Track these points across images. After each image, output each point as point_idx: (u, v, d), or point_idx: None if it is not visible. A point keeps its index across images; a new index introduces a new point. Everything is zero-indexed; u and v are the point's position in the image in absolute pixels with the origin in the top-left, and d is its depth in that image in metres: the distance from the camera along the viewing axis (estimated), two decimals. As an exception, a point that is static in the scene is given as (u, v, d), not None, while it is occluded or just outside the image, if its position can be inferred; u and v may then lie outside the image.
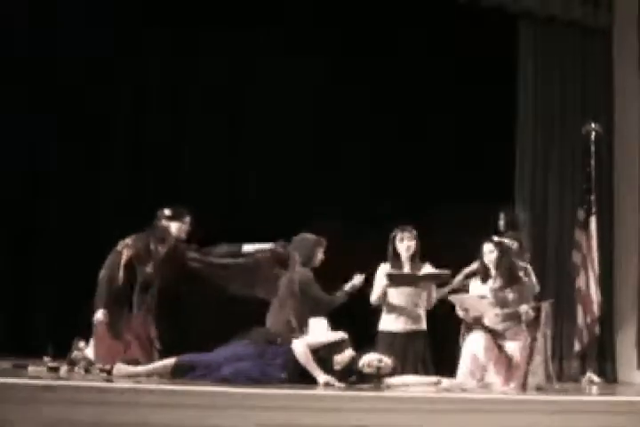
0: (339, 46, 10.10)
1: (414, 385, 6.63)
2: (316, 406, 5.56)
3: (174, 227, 7.23)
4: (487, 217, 9.68)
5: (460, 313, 7.42)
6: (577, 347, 9.42)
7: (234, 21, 9.77)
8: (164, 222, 7.22)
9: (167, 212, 7.26)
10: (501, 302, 7.35)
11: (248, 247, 7.39)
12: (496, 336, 7.27)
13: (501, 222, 8.69)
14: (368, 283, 7.67)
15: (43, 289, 9.11)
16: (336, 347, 6.53)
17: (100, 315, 6.85)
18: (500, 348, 7.24)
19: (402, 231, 7.64)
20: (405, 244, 7.63)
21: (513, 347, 7.28)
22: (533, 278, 8.36)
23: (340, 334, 6.69)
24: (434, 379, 6.80)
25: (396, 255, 7.66)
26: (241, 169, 10.03)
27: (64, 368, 6.36)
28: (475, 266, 8.04)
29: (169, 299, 7.26)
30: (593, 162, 9.51)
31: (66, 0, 9.33)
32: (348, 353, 6.54)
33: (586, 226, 9.38)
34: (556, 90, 10.88)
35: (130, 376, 6.17)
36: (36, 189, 9.24)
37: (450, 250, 8.55)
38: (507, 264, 7.52)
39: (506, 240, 8.33)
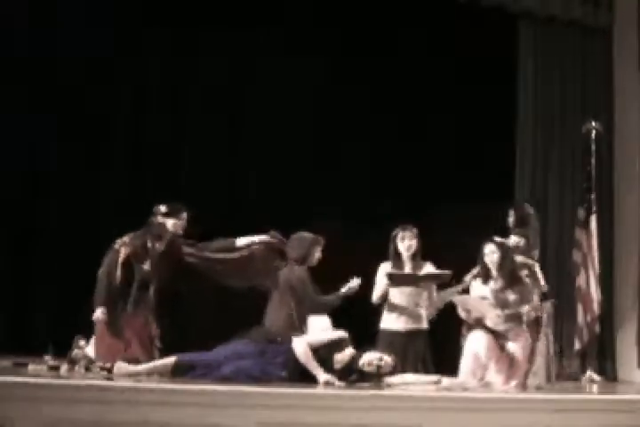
0: (339, 46, 10.11)
1: (414, 384, 6.62)
2: (316, 405, 5.55)
3: (170, 223, 7.18)
4: (487, 217, 9.69)
5: (462, 314, 7.41)
6: (577, 346, 9.42)
7: (234, 21, 9.78)
8: (161, 219, 7.17)
9: (163, 208, 7.21)
10: (502, 303, 7.33)
11: (241, 241, 7.37)
12: (497, 337, 7.26)
13: (511, 219, 8.67)
14: (368, 283, 7.67)
15: (43, 289, 9.12)
16: (336, 346, 6.52)
17: (99, 313, 6.84)
18: (502, 347, 7.23)
19: (403, 230, 7.63)
20: (406, 243, 7.62)
21: (514, 347, 7.27)
22: (540, 277, 8.36)
23: (341, 333, 6.69)
24: (434, 378, 6.80)
25: (397, 254, 7.65)
26: (241, 169, 10.04)
27: (64, 367, 6.36)
28: None
29: (168, 297, 7.24)
30: (593, 161, 9.51)
31: (66, 0, 9.34)
32: (349, 352, 6.54)
33: (586, 225, 9.37)
34: (556, 89, 10.88)
35: (130, 375, 6.17)
36: (36, 189, 9.25)
37: (450, 250, 8.56)
38: (508, 265, 7.50)
39: (514, 238, 8.34)
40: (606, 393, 7.70)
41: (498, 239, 7.67)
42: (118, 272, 6.91)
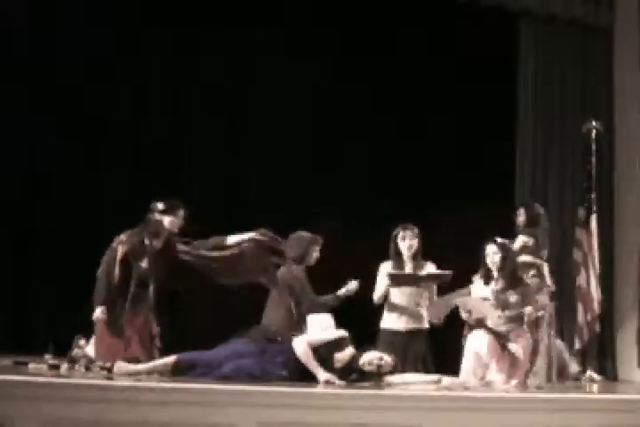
0: (339, 46, 10.12)
1: (415, 383, 6.61)
2: (316, 404, 5.54)
3: (167, 221, 7.13)
4: (487, 217, 9.71)
5: (464, 315, 7.40)
6: (577, 345, 9.41)
7: (234, 21, 9.79)
8: (158, 216, 7.13)
9: (160, 205, 7.14)
10: (503, 304, 7.33)
11: (232, 239, 7.34)
12: (498, 337, 7.25)
13: (520, 218, 8.67)
14: (368, 283, 7.67)
15: (43, 289, 9.12)
16: (337, 345, 6.51)
17: (99, 312, 6.83)
18: (503, 347, 7.23)
19: (404, 230, 7.63)
20: (407, 242, 7.62)
21: (515, 347, 7.27)
22: (547, 277, 8.37)
23: (341, 333, 6.68)
24: (434, 377, 6.79)
25: (398, 254, 7.65)
26: (241, 169, 10.04)
27: (65, 366, 6.35)
28: None
29: (166, 295, 7.22)
30: (593, 160, 9.49)
31: (66, 0, 9.34)
32: (349, 351, 6.53)
33: (586, 224, 9.36)
34: (556, 89, 10.89)
35: (130, 374, 6.16)
36: (36, 189, 9.25)
37: (450, 250, 8.55)
38: (510, 266, 7.49)
39: (523, 237, 8.35)
40: (606, 393, 7.69)
41: (500, 240, 7.66)
42: (117, 271, 6.89)
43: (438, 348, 7.62)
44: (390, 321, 7.56)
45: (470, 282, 7.77)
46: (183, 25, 9.73)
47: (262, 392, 5.49)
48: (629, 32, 10.95)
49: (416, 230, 7.63)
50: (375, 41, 10.20)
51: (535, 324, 7.81)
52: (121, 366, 6.27)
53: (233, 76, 9.99)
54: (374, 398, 5.80)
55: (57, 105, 9.22)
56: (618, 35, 11.05)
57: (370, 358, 6.49)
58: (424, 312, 7.61)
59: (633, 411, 6.26)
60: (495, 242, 7.54)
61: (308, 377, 6.30)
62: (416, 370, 7.20)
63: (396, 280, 7.53)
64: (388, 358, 6.54)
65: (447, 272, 7.58)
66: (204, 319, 8.60)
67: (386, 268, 7.64)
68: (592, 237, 9.35)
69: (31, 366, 6.41)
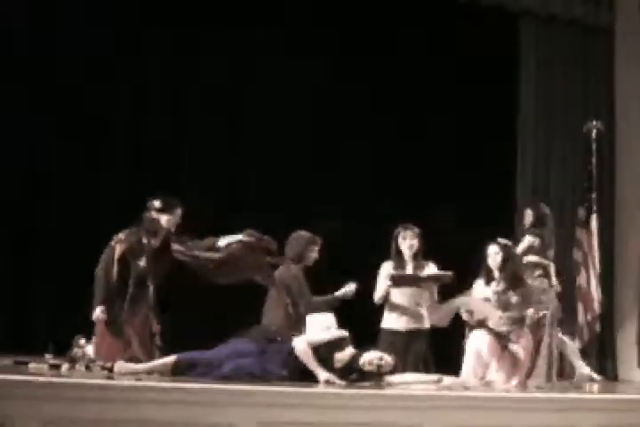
0: (339, 46, 10.12)
1: (415, 383, 6.61)
2: (316, 404, 5.55)
3: (165, 219, 7.09)
4: (487, 217, 9.72)
5: (465, 316, 7.40)
6: (577, 345, 9.40)
7: (234, 21, 9.79)
8: (155, 215, 7.11)
9: (157, 204, 7.09)
10: (504, 305, 7.33)
11: (223, 241, 7.28)
12: (500, 337, 7.25)
13: (527, 218, 8.67)
14: (368, 283, 7.68)
15: (43, 289, 9.11)
16: (337, 345, 6.51)
17: (98, 312, 6.82)
18: (504, 347, 7.23)
19: (404, 229, 7.63)
20: (408, 242, 7.62)
21: (516, 346, 7.27)
22: (553, 278, 8.38)
23: (341, 332, 6.69)
24: (435, 377, 6.79)
25: (399, 254, 7.66)
26: (241, 169, 10.03)
27: (65, 366, 6.35)
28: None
29: (165, 293, 7.21)
30: (594, 160, 9.49)
31: (66, 0, 9.33)
32: (349, 351, 6.53)
33: (587, 224, 9.36)
34: (557, 89, 10.89)
35: (131, 374, 6.15)
36: (36, 189, 9.25)
37: (450, 250, 8.53)
38: (511, 267, 7.50)
39: (529, 238, 8.36)
40: (606, 393, 7.69)
41: (502, 241, 7.65)
42: (115, 270, 6.87)
43: (439, 348, 7.62)
44: (391, 321, 7.57)
45: (470, 282, 7.77)
46: (183, 25, 9.73)
47: (262, 392, 5.49)
48: (630, 32, 10.95)
49: (417, 230, 7.64)
50: (375, 41, 10.20)
51: (537, 324, 7.82)
52: (121, 365, 6.27)
53: (233, 76, 9.98)
54: (375, 397, 5.80)
55: (57, 105, 9.21)
56: (618, 34, 11.05)
57: (370, 357, 6.49)
58: (424, 312, 7.61)
59: (633, 411, 6.27)
60: (497, 242, 7.54)
61: (308, 377, 6.30)
62: (416, 370, 7.21)
63: (397, 281, 7.53)
64: (388, 358, 6.54)
65: (448, 273, 7.59)
66: (202, 317, 8.59)
67: (387, 268, 7.65)
68: (592, 237, 9.35)
69: (31, 365, 6.39)
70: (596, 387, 8.08)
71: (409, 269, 7.61)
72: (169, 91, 9.86)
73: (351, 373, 6.46)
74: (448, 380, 6.78)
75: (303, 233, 7.44)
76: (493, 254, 7.47)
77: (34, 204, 9.27)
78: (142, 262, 6.94)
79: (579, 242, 9.42)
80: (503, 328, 7.25)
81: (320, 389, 6.02)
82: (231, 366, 6.15)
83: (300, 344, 6.40)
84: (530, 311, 7.37)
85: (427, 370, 7.30)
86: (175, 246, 7.17)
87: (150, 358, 6.61)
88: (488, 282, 7.51)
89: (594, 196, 9.41)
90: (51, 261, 9.13)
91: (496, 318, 7.24)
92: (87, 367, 6.39)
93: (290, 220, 8.22)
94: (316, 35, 10.05)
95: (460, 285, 7.68)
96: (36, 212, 9.28)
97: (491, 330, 7.23)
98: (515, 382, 7.13)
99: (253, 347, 6.39)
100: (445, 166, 10.34)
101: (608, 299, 9.98)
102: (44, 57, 9.19)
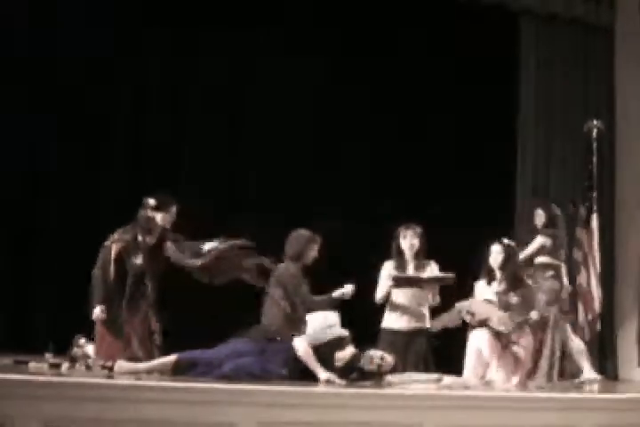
0: (339, 46, 10.10)
1: (415, 383, 6.61)
2: (316, 403, 5.55)
3: (160, 217, 7.10)
4: (487, 217, 9.72)
5: (467, 317, 7.40)
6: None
7: (234, 21, 9.78)
8: (150, 213, 7.10)
9: (152, 201, 7.11)
10: (505, 305, 7.34)
11: (206, 246, 7.22)
12: (501, 336, 7.25)
13: (538, 219, 8.66)
14: (368, 282, 7.68)
15: (43, 289, 9.11)
16: (337, 344, 6.53)
17: (97, 311, 6.82)
18: (505, 346, 7.23)
19: (405, 228, 7.64)
20: (408, 241, 7.63)
21: (518, 346, 7.27)
22: (564, 279, 8.38)
23: (342, 331, 6.69)
24: (435, 376, 6.80)
25: (400, 253, 7.66)
26: (241, 169, 10.03)
27: (65, 365, 6.35)
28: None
29: (163, 292, 7.20)
30: (595, 159, 9.48)
31: (66, 0, 9.33)
32: (349, 350, 6.54)
33: (587, 224, 9.35)
34: (557, 88, 10.86)
35: (131, 373, 6.15)
36: (36, 189, 9.24)
37: (450, 250, 8.53)
38: (512, 267, 7.51)
39: (541, 238, 8.36)
40: (607, 392, 7.69)
41: (505, 241, 7.66)
42: (112, 269, 6.87)
43: (439, 347, 7.62)
44: (392, 321, 7.57)
45: (470, 283, 7.78)
46: (183, 25, 9.72)
47: (263, 391, 5.49)
48: (630, 31, 10.93)
49: (418, 230, 7.64)
50: (375, 41, 10.18)
51: (539, 325, 7.83)
52: (122, 365, 6.27)
53: (233, 76, 9.97)
54: (375, 397, 5.81)
55: (57, 105, 9.20)
56: (619, 34, 11.02)
57: (370, 357, 6.49)
58: (426, 312, 7.62)
59: (633, 410, 6.27)
60: (500, 242, 7.55)
61: (308, 376, 6.31)
62: (417, 370, 7.21)
63: (399, 282, 7.54)
64: (388, 358, 6.55)
65: (450, 275, 7.59)
66: (204, 318, 8.59)
67: (388, 267, 7.65)
68: (593, 237, 9.34)
69: (31, 365, 6.39)
70: (596, 386, 8.07)
71: (410, 269, 7.61)
72: (169, 91, 9.86)
73: (351, 372, 6.47)
74: (448, 379, 6.78)
75: (303, 231, 7.43)
76: (495, 254, 7.48)
77: (34, 204, 9.26)
78: (138, 260, 6.93)
79: (579, 241, 9.42)
80: (502, 328, 7.25)
81: (320, 388, 6.03)
82: (231, 365, 6.15)
83: (301, 344, 6.40)
84: (533, 314, 7.39)
85: (427, 370, 7.30)
86: (167, 246, 7.14)
87: (150, 357, 6.61)
88: (489, 282, 7.52)
89: (594, 195, 9.41)
90: (51, 261, 9.13)
91: (497, 318, 7.24)
92: (87, 367, 6.40)
93: (290, 220, 8.21)
94: (316, 35, 10.03)
95: (461, 285, 7.68)
96: (36, 212, 9.27)
97: (491, 329, 7.23)
98: (515, 381, 7.12)
99: (253, 346, 6.40)
100: (445, 166, 10.32)
101: (608, 298, 9.97)
102: (44, 57, 9.18)
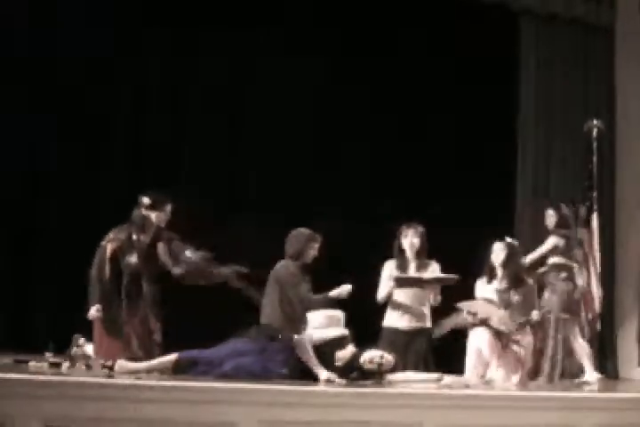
0: (339, 46, 10.09)
1: (415, 382, 6.62)
2: (317, 403, 5.56)
3: (154, 216, 7.06)
4: (487, 217, 9.71)
5: (469, 318, 7.40)
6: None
7: (234, 21, 9.77)
8: (144, 211, 7.07)
9: (146, 200, 7.07)
10: (505, 304, 7.35)
11: (187, 254, 7.17)
12: (501, 335, 7.26)
13: (551, 219, 8.67)
14: (368, 282, 7.68)
15: (43, 289, 9.10)
16: (338, 343, 6.53)
17: (93, 311, 6.81)
18: (506, 345, 7.23)
19: (407, 227, 7.64)
20: (409, 240, 7.63)
21: (518, 345, 7.27)
22: (579, 280, 8.38)
23: (342, 331, 6.69)
24: (435, 376, 6.80)
25: (402, 252, 7.66)
26: (241, 169, 10.02)
27: (65, 364, 6.34)
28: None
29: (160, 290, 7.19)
30: (595, 159, 9.48)
31: (66, 0, 9.33)
32: (350, 349, 6.55)
33: (587, 223, 9.36)
34: (557, 88, 10.86)
35: (131, 373, 6.15)
36: (36, 189, 9.24)
37: (450, 250, 8.53)
38: (513, 266, 7.51)
39: (554, 239, 8.37)
40: (607, 391, 7.69)
41: (508, 239, 7.67)
42: (107, 269, 6.85)
43: (440, 347, 7.62)
44: (393, 320, 7.57)
45: (470, 283, 7.78)
46: (183, 25, 9.71)
47: (263, 391, 5.50)
48: (631, 31, 10.93)
49: (420, 229, 7.65)
50: (375, 41, 10.18)
51: (540, 325, 7.83)
52: (122, 364, 6.27)
53: (233, 76, 9.96)
54: (375, 396, 5.81)
55: (57, 105, 9.19)
56: (619, 33, 11.02)
57: (371, 356, 6.51)
58: (427, 311, 7.62)
59: (634, 409, 6.28)
60: (503, 240, 7.56)
61: (308, 375, 6.32)
62: (417, 369, 7.21)
63: (402, 283, 7.54)
64: (388, 357, 6.56)
65: (452, 276, 7.59)
66: (203, 318, 8.59)
67: (390, 266, 7.66)
68: (593, 236, 9.34)
69: (32, 364, 6.39)
70: (596, 386, 8.07)
71: (412, 268, 7.62)
72: (169, 91, 9.85)
73: (352, 371, 6.48)
74: (448, 379, 6.79)
75: (303, 230, 7.42)
76: (498, 251, 7.50)
77: (34, 204, 9.25)
78: (133, 259, 6.91)
79: (579, 241, 9.42)
80: (504, 327, 7.25)
81: (320, 387, 6.04)
82: (232, 364, 6.16)
83: (301, 343, 6.40)
84: (534, 314, 7.39)
85: (427, 369, 7.30)
86: (159, 246, 7.09)
87: (150, 356, 6.59)
88: (490, 280, 7.52)
89: (595, 194, 9.41)
90: (51, 261, 9.11)
91: (498, 318, 7.24)
92: (87, 366, 6.39)
93: (290, 220, 8.19)
94: (316, 35, 10.03)
95: (461, 285, 7.68)
96: (36, 212, 9.26)
97: (491, 329, 7.23)
98: (515, 380, 7.12)
99: (254, 346, 6.40)
100: (445, 166, 10.32)
101: (608, 298, 9.97)
102: (44, 57, 9.17)
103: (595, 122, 9.58)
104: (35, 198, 9.25)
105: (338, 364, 6.47)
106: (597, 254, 9.30)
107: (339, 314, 7.17)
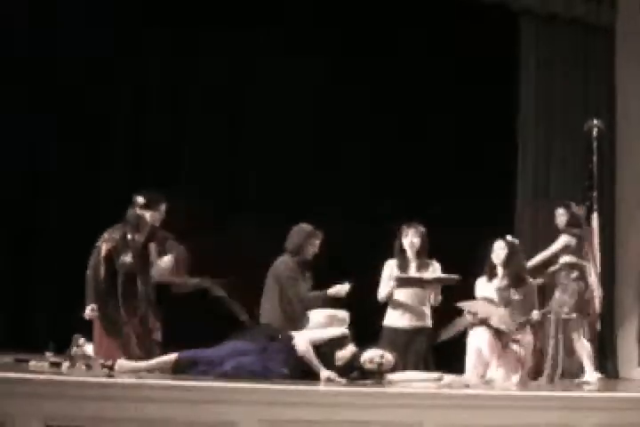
0: (339, 46, 10.10)
1: (416, 381, 6.61)
2: (317, 402, 5.56)
3: (149, 215, 7.04)
4: (488, 217, 9.72)
5: (469, 317, 7.40)
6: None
7: (234, 21, 9.77)
8: (139, 211, 7.05)
9: (141, 200, 7.05)
10: (505, 302, 7.35)
11: (165, 259, 7.16)
12: (501, 335, 7.26)
13: (562, 218, 8.67)
14: (368, 282, 7.68)
15: (43, 289, 9.10)
16: (338, 343, 6.52)
17: (88, 311, 6.80)
18: (506, 345, 7.24)
19: (407, 227, 7.65)
20: (409, 239, 7.64)
21: (518, 345, 7.28)
22: (591, 278, 8.37)
23: (342, 330, 6.69)
24: (435, 375, 6.79)
25: (403, 252, 7.66)
26: (241, 169, 10.02)
27: (66, 363, 6.33)
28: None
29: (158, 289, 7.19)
30: (595, 159, 9.48)
31: (66, 0, 9.33)
32: (350, 349, 6.54)
33: (588, 223, 9.36)
34: (557, 88, 10.86)
35: (132, 372, 6.15)
36: (36, 189, 9.23)
37: (450, 250, 8.53)
38: (514, 264, 7.52)
39: (565, 238, 8.37)
40: (607, 391, 7.69)
41: (509, 237, 7.68)
42: (102, 269, 6.84)
43: (440, 346, 7.63)
44: (393, 319, 7.58)
45: (470, 283, 7.78)
46: (183, 25, 9.71)
47: (264, 390, 5.50)
48: (631, 31, 10.94)
49: (420, 228, 7.66)
50: (375, 41, 10.18)
51: (541, 325, 7.83)
52: (122, 363, 6.27)
53: (233, 76, 9.96)
54: (375, 395, 5.81)
55: (57, 105, 9.19)
56: (619, 33, 11.03)
57: (371, 355, 6.50)
58: (427, 311, 7.63)
59: (634, 409, 6.27)
60: (504, 239, 7.56)
61: (309, 375, 6.31)
62: (417, 368, 7.21)
63: (402, 282, 7.54)
64: (388, 356, 6.55)
65: (453, 276, 7.60)
66: (203, 318, 8.58)
67: (391, 266, 7.67)
68: (593, 236, 9.34)
69: (32, 363, 6.38)
70: (596, 386, 8.07)
71: (412, 268, 7.62)
72: (169, 91, 9.85)
73: (352, 371, 6.47)
74: (448, 378, 6.78)
75: (305, 226, 7.43)
76: (498, 250, 7.51)
77: (34, 204, 9.25)
78: (129, 258, 6.89)
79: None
80: (504, 327, 7.25)
81: (321, 387, 6.03)
82: (232, 363, 6.15)
83: (301, 342, 6.40)
84: (534, 314, 7.39)
85: (427, 368, 7.31)
86: (151, 247, 7.07)
87: (150, 355, 6.59)
88: (490, 278, 7.53)
89: (595, 194, 9.41)
90: (51, 261, 9.11)
91: (498, 318, 7.25)
92: (87, 366, 6.39)
93: (290, 220, 8.21)
94: (316, 35, 10.03)
95: (461, 284, 7.69)
96: (36, 212, 9.26)
97: (491, 328, 7.23)
98: (515, 380, 7.12)
99: (254, 345, 6.40)
100: (445, 166, 10.32)
101: (608, 298, 9.96)
102: (44, 57, 9.17)
103: (595, 122, 9.58)
104: (35, 198, 9.25)
105: (338, 363, 6.46)
106: (597, 254, 9.31)
107: (343, 314, 7.17)
